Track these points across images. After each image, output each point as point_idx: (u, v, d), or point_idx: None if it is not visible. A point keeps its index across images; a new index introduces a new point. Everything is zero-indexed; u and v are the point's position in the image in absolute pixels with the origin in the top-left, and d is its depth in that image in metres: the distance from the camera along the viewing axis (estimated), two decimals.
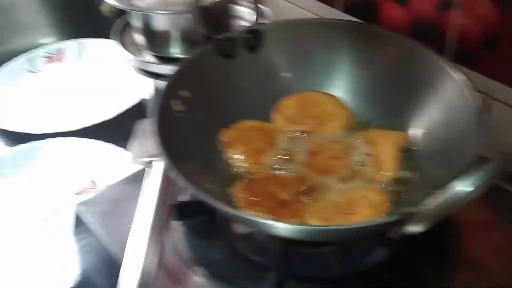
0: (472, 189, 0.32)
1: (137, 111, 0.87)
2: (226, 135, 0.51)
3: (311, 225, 0.39)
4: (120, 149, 0.79)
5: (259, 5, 0.54)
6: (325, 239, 0.41)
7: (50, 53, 1.03)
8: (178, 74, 0.49)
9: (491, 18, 0.50)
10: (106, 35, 1.05)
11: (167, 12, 0.73)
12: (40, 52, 1.02)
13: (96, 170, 0.79)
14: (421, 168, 0.47)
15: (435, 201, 0.33)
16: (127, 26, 0.84)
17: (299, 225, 0.39)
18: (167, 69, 0.75)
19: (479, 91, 0.44)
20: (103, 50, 1.02)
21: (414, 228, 0.34)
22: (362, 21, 0.57)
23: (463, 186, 0.32)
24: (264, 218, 0.37)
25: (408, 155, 0.48)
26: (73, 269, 0.57)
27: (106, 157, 0.79)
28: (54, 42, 1.06)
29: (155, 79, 0.79)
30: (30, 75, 0.99)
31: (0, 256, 0.66)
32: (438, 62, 0.47)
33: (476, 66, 0.53)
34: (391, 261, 0.45)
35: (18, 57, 1.01)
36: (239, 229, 0.49)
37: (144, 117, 0.86)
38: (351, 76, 0.53)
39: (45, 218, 0.72)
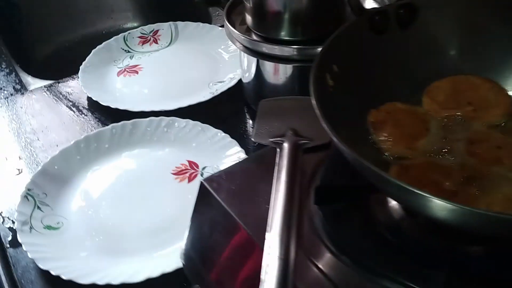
0: None
1: (234, 94, 0.85)
2: (375, 116, 0.47)
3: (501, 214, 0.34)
4: (217, 131, 0.76)
5: None
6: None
7: (146, 34, 1.02)
8: (330, 45, 0.45)
9: None
10: (199, 20, 1.04)
11: None
12: (136, 32, 1.02)
13: (193, 151, 0.77)
14: None
15: None
16: (236, 6, 0.82)
17: (484, 211, 0.33)
18: (278, 50, 0.73)
19: None
20: (198, 33, 1.01)
21: None
22: None
23: None
24: (448, 201, 0.32)
25: None
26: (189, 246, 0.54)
27: (203, 138, 0.77)
28: (149, 24, 1.05)
29: (262, 59, 0.76)
30: (125, 54, 0.98)
31: (106, 233, 0.64)
32: None
33: None
34: None
35: (115, 36, 1.00)
36: (388, 217, 0.45)
37: (241, 100, 0.84)
38: None
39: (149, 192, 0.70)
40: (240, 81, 0.85)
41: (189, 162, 0.76)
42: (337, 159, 0.51)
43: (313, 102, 0.40)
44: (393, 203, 0.46)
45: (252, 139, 0.55)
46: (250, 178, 0.51)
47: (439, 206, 0.34)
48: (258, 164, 0.53)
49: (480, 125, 0.47)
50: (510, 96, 0.48)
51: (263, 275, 0.41)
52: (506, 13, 0.48)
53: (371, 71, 0.49)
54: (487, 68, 0.49)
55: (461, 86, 0.49)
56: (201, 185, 0.51)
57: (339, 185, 0.46)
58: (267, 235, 0.44)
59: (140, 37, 1.01)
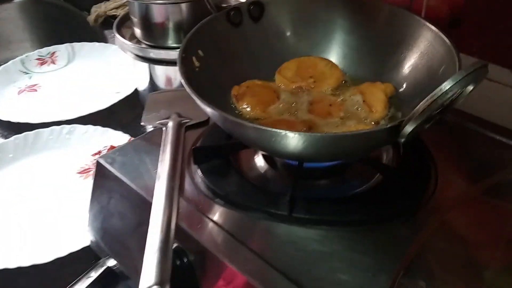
0: (453, 85, 0.39)
1: (132, 102, 0.93)
2: (237, 90, 0.59)
3: (323, 133, 0.46)
4: (118, 132, 0.84)
5: None
6: (333, 149, 0.47)
7: (43, 56, 1.08)
8: (193, 34, 0.56)
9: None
10: (95, 40, 1.12)
11: (163, 2, 0.81)
12: (33, 55, 1.07)
13: (96, 151, 0.83)
14: (406, 108, 0.55)
15: (425, 104, 0.41)
16: (124, 22, 0.92)
17: (312, 133, 0.45)
18: (164, 54, 0.83)
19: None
20: (94, 51, 1.08)
21: (412, 126, 0.41)
22: None
23: (445, 86, 0.40)
24: (284, 130, 0.43)
25: (395, 99, 0.57)
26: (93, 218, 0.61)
27: (105, 140, 0.84)
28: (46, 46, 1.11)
29: (152, 64, 0.86)
30: (24, 76, 1.03)
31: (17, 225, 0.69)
32: (418, 20, 0.57)
33: None
34: (385, 184, 0.52)
35: (12, 60, 1.05)
36: (253, 169, 0.56)
37: (139, 106, 0.93)
38: (344, 42, 0.63)
39: (55, 190, 0.76)
40: (136, 89, 0.94)
41: (93, 162, 0.83)
42: (212, 129, 0.62)
43: (180, 77, 0.50)
44: (257, 158, 0.57)
45: (141, 123, 0.64)
46: (140, 153, 0.60)
47: (285, 137, 0.44)
48: (147, 142, 0.62)
49: (319, 92, 0.60)
50: (340, 70, 0.62)
51: (151, 224, 0.50)
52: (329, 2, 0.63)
53: (233, 55, 0.61)
54: (322, 49, 0.63)
55: (304, 64, 0.62)
56: (97, 163, 0.59)
57: (212, 145, 0.57)
58: (154, 193, 0.53)
59: (37, 59, 1.07)
